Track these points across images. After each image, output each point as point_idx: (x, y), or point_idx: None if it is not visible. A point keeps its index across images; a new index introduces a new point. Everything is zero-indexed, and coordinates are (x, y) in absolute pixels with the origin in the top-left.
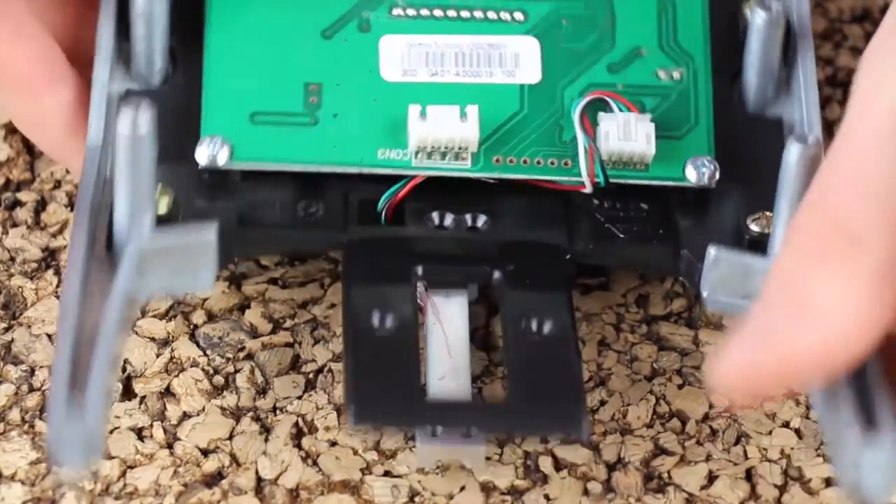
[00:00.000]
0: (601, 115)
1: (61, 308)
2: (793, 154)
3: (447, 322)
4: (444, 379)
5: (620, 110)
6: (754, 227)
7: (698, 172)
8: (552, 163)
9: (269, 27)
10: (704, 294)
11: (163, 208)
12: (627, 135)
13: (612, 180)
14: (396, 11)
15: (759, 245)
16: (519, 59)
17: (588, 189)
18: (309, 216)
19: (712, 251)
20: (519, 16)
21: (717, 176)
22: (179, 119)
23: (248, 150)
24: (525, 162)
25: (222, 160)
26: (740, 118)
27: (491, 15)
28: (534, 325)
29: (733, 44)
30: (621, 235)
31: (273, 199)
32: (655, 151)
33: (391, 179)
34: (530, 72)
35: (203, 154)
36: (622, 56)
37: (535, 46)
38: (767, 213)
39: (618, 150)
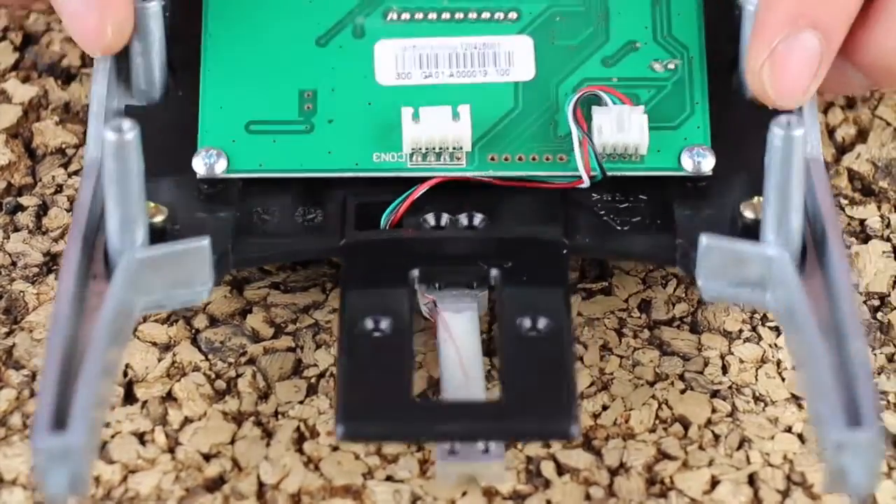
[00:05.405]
0: (594, 108)
1: (51, 324)
2: (776, 136)
3: (459, 338)
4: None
5: (614, 103)
6: (747, 214)
7: (694, 161)
8: (547, 158)
9: (265, 36)
10: (700, 283)
11: (158, 220)
12: (621, 126)
13: (608, 173)
14: (391, 16)
15: (752, 231)
16: (512, 58)
17: (585, 183)
18: (307, 222)
19: (704, 239)
20: (513, 15)
21: (713, 164)
22: (180, 132)
23: (244, 160)
24: (520, 159)
25: (220, 170)
26: (737, 105)
27: (485, 15)
28: (528, 323)
29: (729, 32)
30: (619, 228)
31: (271, 208)
32: (650, 142)
33: (388, 180)
34: (524, 69)
35: (200, 165)
36: (616, 50)
37: (528, 45)
38: (759, 199)
39: (612, 142)
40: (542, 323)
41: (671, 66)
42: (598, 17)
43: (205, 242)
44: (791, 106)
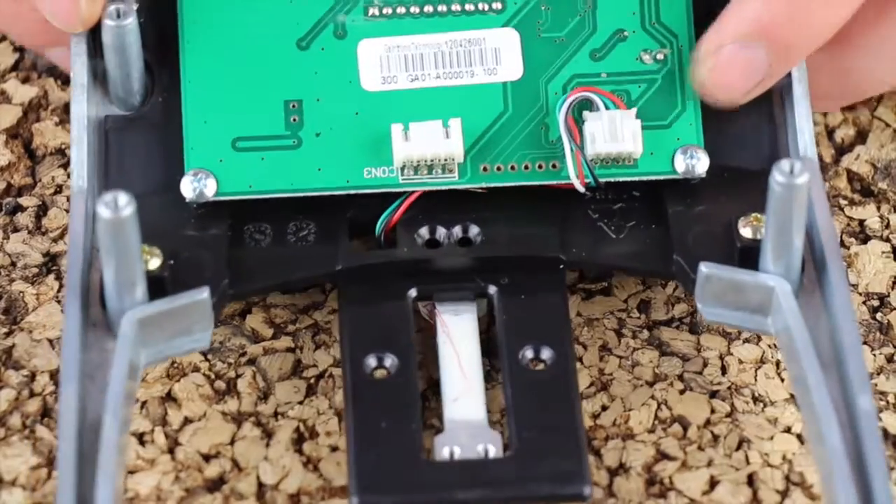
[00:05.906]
0: (586, 114)
1: (62, 409)
2: (777, 183)
3: (458, 341)
4: (458, 401)
5: (606, 107)
6: (745, 233)
7: (687, 164)
8: (540, 166)
9: (244, 43)
10: (699, 306)
11: (153, 266)
12: (613, 134)
13: (601, 179)
14: (372, 11)
15: (750, 252)
16: (499, 55)
17: (579, 190)
18: (300, 241)
19: (703, 269)
20: (497, 5)
21: (707, 166)
22: (165, 143)
23: (233, 182)
24: (513, 168)
25: (209, 193)
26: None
27: (469, 7)
28: (531, 353)
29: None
30: (614, 236)
31: (263, 225)
32: (643, 148)
33: (381, 195)
34: (512, 68)
35: (188, 189)
36: (604, 41)
37: (514, 39)
38: (758, 216)
39: (605, 151)
40: (545, 353)
41: (660, 57)
42: (584, 4)
43: (204, 295)
44: (720, 105)
